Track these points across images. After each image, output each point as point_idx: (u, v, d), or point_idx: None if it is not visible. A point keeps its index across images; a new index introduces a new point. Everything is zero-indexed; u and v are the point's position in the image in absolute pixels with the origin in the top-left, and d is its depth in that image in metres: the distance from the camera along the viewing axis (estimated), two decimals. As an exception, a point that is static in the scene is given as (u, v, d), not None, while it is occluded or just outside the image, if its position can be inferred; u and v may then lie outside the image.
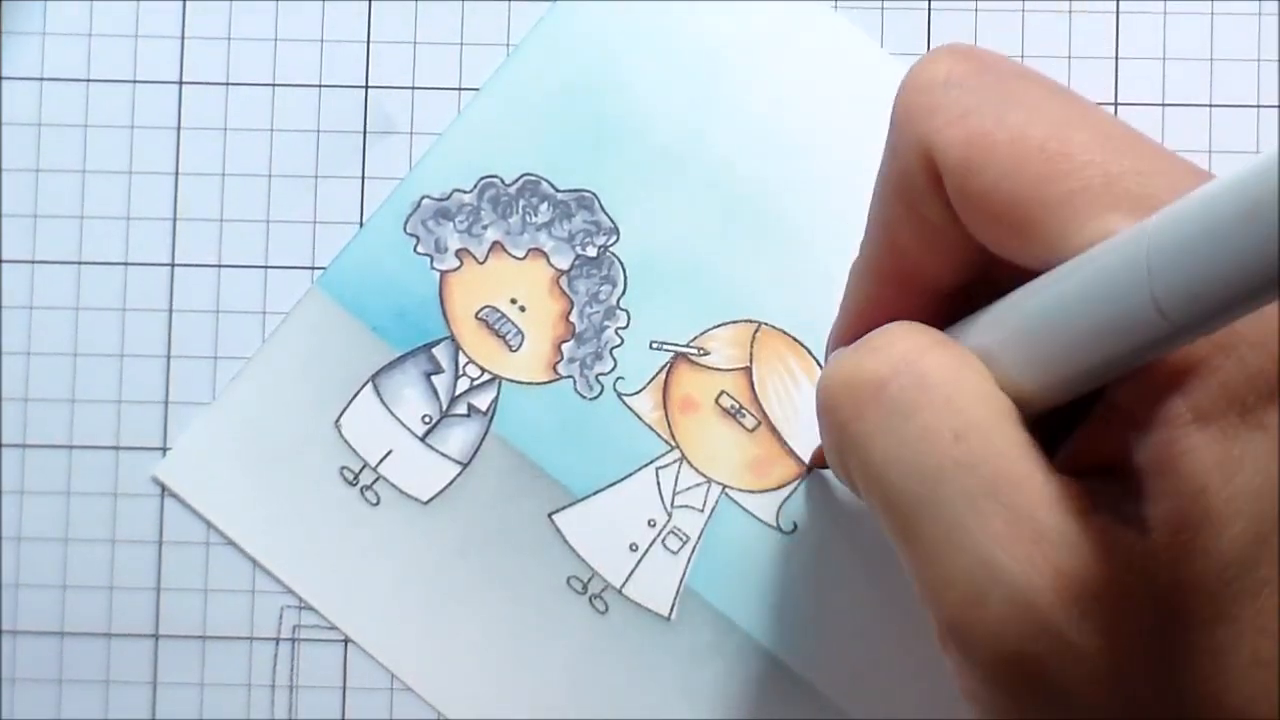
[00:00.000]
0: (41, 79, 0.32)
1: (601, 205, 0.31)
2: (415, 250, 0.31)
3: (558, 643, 0.30)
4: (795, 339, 0.31)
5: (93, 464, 0.31)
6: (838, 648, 0.30)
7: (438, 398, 0.31)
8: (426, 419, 0.31)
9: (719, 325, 0.31)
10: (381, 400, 0.31)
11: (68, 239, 0.31)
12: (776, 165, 0.31)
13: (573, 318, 0.31)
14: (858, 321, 0.24)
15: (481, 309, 0.31)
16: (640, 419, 0.31)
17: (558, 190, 0.31)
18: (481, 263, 0.31)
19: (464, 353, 0.31)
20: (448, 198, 0.31)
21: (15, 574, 0.31)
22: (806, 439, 0.31)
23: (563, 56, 0.31)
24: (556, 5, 0.32)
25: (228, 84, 0.32)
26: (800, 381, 0.31)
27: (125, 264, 0.31)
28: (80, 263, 0.31)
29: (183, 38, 0.32)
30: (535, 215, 0.31)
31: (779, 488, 0.30)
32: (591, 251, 0.31)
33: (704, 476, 0.31)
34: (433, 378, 0.31)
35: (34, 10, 0.32)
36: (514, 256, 0.31)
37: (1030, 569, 0.19)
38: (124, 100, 0.32)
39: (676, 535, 0.30)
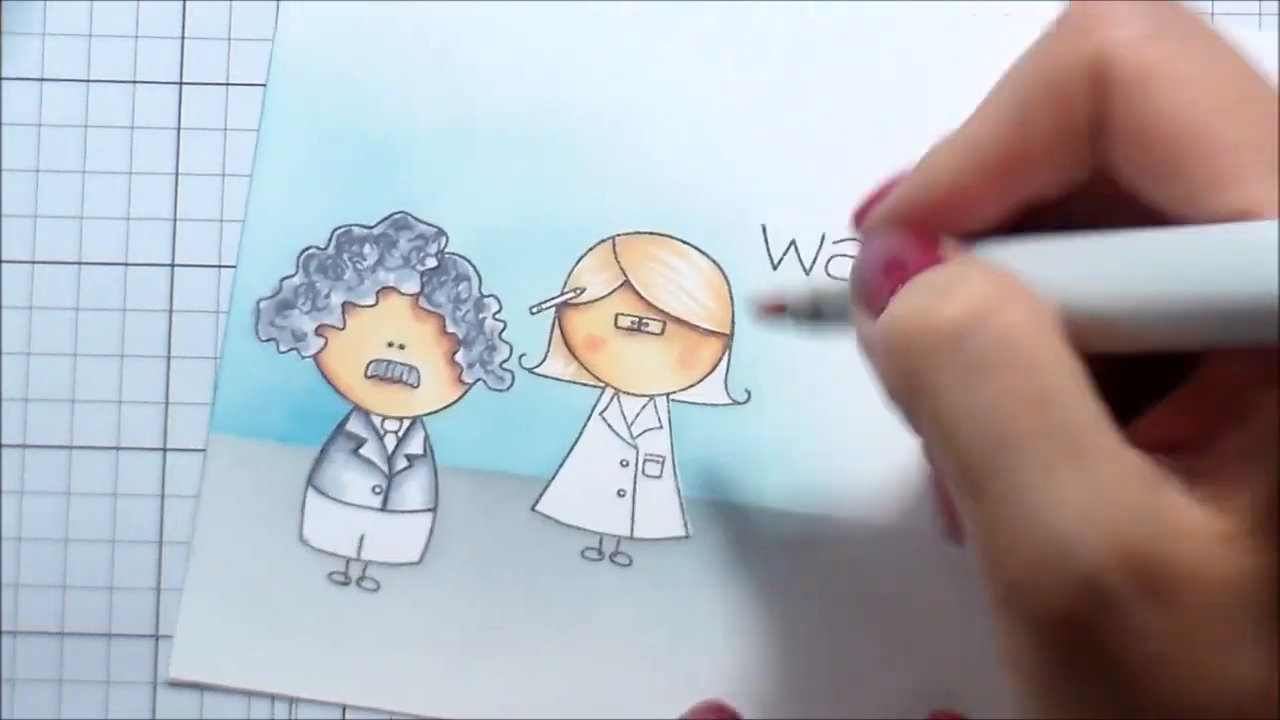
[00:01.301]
0: (41, 79, 0.32)
1: (416, 218, 0.31)
2: (279, 350, 0.31)
3: (598, 613, 0.30)
4: (652, 233, 0.31)
5: (93, 464, 0.31)
6: (836, 477, 0.31)
7: (375, 465, 0.31)
8: (377, 489, 0.31)
9: (578, 260, 0.31)
10: (328, 497, 0.31)
11: (68, 239, 0.31)
12: (552, 99, 0.31)
13: (450, 329, 0.31)
14: (926, 198, 0.23)
15: (367, 366, 0.31)
16: (560, 380, 0.31)
17: (370, 227, 0.31)
18: (343, 329, 0.31)
19: (374, 414, 0.31)
20: (279, 290, 0.31)
21: (15, 574, 0.31)
22: (698, 308, 0.31)
23: (305, 108, 0.31)
24: (270, 82, 0.31)
25: (228, 84, 0.32)
26: (677, 266, 0.31)
27: (125, 264, 0.31)
28: (80, 263, 0.31)
29: (183, 38, 0.32)
30: (364, 260, 0.31)
31: (713, 369, 0.31)
32: (431, 263, 0.31)
33: (645, 396, 0.31)
34: (360, 451, 0.31)
35: (34, 10, 0.32)
36: (367, 306, 0.31)
37: (1100, 541, 0.19)
38: (124, 100, 0.32)
39: (652, 460, 0.31)
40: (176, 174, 0.32)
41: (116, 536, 0.31)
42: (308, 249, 0.31)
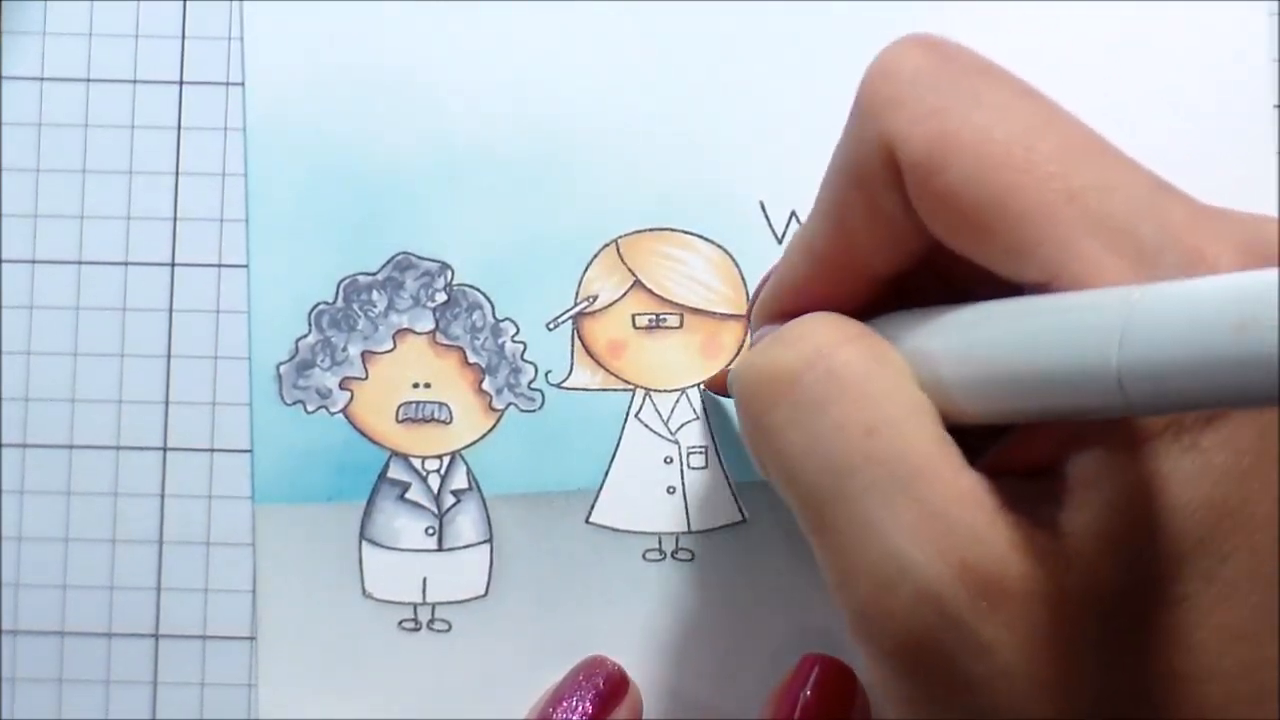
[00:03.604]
0: (41, 79, 0.32)
1: (418, 256, 0.31)
2: (307, 411, 0.31)
3: (669, 612, 0.30)
4: (653, 229, 0.31)
5: (93, 464, 0.31)
6: None
7: (424, 507, 0.31)
8: (430, 530, 0.31)
9: (586, 269, 0.31)
10: (383, 546, 0.31)
11: (68, 239, 0.31)
12: (531, 115, 0.31)
13: (472, 359, 0.31)
14: (791, 295, 0.24)
15: (397, 411, 0.31)
16: (589, 390, 0.31)
17: (374, 274, 0.31)
18: (366, 378, 0.31)
19: (412, 457, 0.31)
20: (296, 352, 0.31)
21: (15, 574, 0.31)
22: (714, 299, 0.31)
23: (288, 164, 0.31)
24: (249, 136, 0.31)
25: (228, 84, 0.32)
26: (683, 257, 0.31)
27: (125, 264, 0.31)
28: (80, 263, 0.31)
29: (183, 38, 0.32)
30: (374, 307, 0.31)
31: (738, 352, 0.31)
32: (441, 298, 0.31)
33: (676, 390, 0.31)
34: (406, 495, 0.31)
35: (34, 10, 0.32)
36: (386, 352, 0.31)
37: (938, 561, 0.19)
38: (124, 100, 0.32)
39: (695, 452, 0.31)
40: (176, 174, 0.32)
41: (116, 536, 0.31)
42: (316, 305, 0.31)
